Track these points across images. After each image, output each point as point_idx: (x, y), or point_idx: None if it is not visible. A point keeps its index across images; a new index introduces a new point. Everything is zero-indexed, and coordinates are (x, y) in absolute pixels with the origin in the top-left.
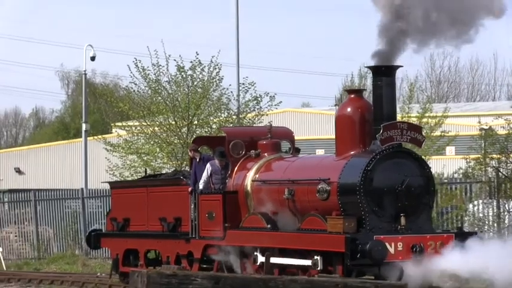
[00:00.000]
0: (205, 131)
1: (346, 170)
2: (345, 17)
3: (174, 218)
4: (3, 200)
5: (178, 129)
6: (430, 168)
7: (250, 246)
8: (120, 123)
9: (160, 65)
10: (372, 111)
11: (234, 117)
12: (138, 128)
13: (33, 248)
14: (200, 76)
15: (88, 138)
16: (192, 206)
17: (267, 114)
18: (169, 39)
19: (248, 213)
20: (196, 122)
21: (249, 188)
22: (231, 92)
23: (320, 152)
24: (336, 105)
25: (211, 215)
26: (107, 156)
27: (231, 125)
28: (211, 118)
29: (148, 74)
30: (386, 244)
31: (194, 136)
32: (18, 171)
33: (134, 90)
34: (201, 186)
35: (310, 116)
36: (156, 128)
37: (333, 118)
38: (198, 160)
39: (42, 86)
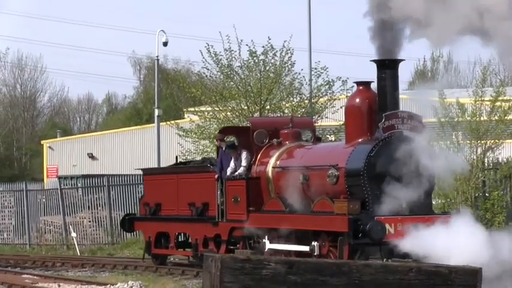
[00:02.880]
0: (278, 115)
1: (352, 156)
2: None
3: (202, 203)
4: (77, 185)
5: (250, 114)
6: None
7: (269, 227)
8: (192, 109)
9: (232, 50)
10: None
11: (306, 101)
12: (211, 113)
13: (106, 233)
14: (272, 61)
15: (160, 123)
16: (218, 192)
17: (339, 99)
18: (241, 24)
19: (269, 197)
20: (268, 106)
21: (270, 174)
22: (303, 76)
23: None
24: (408, 89)
25: (236, 199)
26: (179, 142)
27: (304, 110)
28: (284, 103)
29: (220, 59)
30: (386, 225)
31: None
32: (91, 156)
33: (206, 76)
34: (228, 172)
35: None
36: (228, 113)
37: (405, 102)
38: (224, 149)
39: (114, 72)
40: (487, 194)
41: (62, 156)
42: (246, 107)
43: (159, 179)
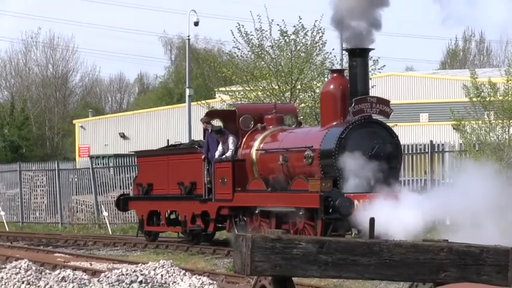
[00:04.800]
0: (308, 96)
1: (325, 139)
2: None
3: (190, 183)
4: (109, 165)
5: (281, 94)
6: (398, 136)
7: (252, 206)
8: (223, 88)
9: (263, 30)
10: None
11: None
12: (242, 93)
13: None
14: (303, 40)
15: (192, 103)
16: (205, 172)
17: (370, 78)
18: (272, 3)
19: (253, 177)
20: (299, 86)
21: (254, 156)
22: (334, 56)
23: (424, 116)
24: (439, 69)
25: (223, 180)
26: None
27: None
28: (315, 82)
29: (251, 39)
30: (355, 201)
31: (297, 100)
32: (122, 136)
33: (237, 56)
34: (216, 154)
35: (414, 80)
36: (259, 93)
37: (437, 82)
38: (210, 131)
39: (146, 52)
40: None
41: (94, 136)
42: (277, 87)
43: (151, 160)
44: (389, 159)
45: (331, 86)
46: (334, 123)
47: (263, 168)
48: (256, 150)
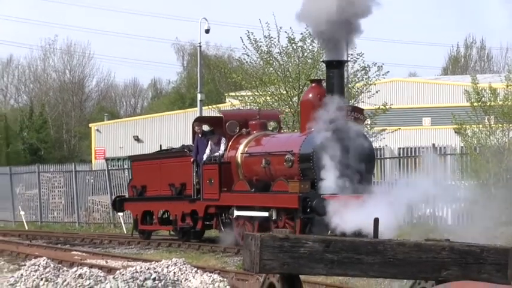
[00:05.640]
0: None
1: (304, 144)
2: None
3: (180, 184)
4: (123, 166)
5: (289, 99)
6: (371, 142)
7: (236, 205)
8: (233, 93)
9: (271, 37)
10: None
11: None
12: (251, 97)
13: None
14: (310, 47)
15: (203, 107)
16: (193, 173)
17: (374, 84)
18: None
19: (238, 179)
20: None
21: (239, 159)
22: None
23: (427, 120)
24: (441, 74)
25: (210, 181)
26: None
27: None
28: None
29: (260, 46)
30: (331, 201)
31: None
32: (136, 139)
33: (247, 62)
34: (204, 157)
35: (417, 85)
36: (267, 98)
37: (440, 88)
38: (200, 135)
39: (159, 58)
40: None
41: (109, 139)
42: (284, 92)
43: (145, 164)
44: (364, 163)
45: (310, 95)
46: (313, 129)
47: (247, 170)
48: (241, 153)
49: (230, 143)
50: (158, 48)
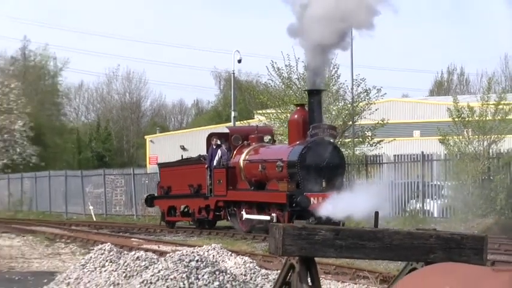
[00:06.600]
0: (326, 117)
1: (291, 153)
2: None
3: (197, 185)
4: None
5: None
6: (342, 152)
7: (240, 200)
8: (260, 111)
9: (291, 66)
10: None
11: (349, 105)
12: (274, 114)
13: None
14: None
15: (236, 122)
16: (207, 177)
17: (374, 103)
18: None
19: (241, 180)
20: None
21: (242, 164)
22: (346, 86)
23: (417, 132)
24: (429, 95)
25: (219, 181)
26: None
27: (347, 112)
28: (331, 106)
29: (282, 73)
30: (311, 198)
31: None
32: (183, 148)
33: (271, 86)
34: (215, 163)
35: (409, 104)
36: (288, 115)
37: (427, 106)
38: (214, 147)
39: (200, 83)
40: (491, 177)
41: (161, 148)
42: None
43: (170, 169)
44: (336, 168)
45: (296, 116)
46: (298, 142)
47: (248, 173)
48: (243, 160)
49: (235, 152)
50: (200, 75)
